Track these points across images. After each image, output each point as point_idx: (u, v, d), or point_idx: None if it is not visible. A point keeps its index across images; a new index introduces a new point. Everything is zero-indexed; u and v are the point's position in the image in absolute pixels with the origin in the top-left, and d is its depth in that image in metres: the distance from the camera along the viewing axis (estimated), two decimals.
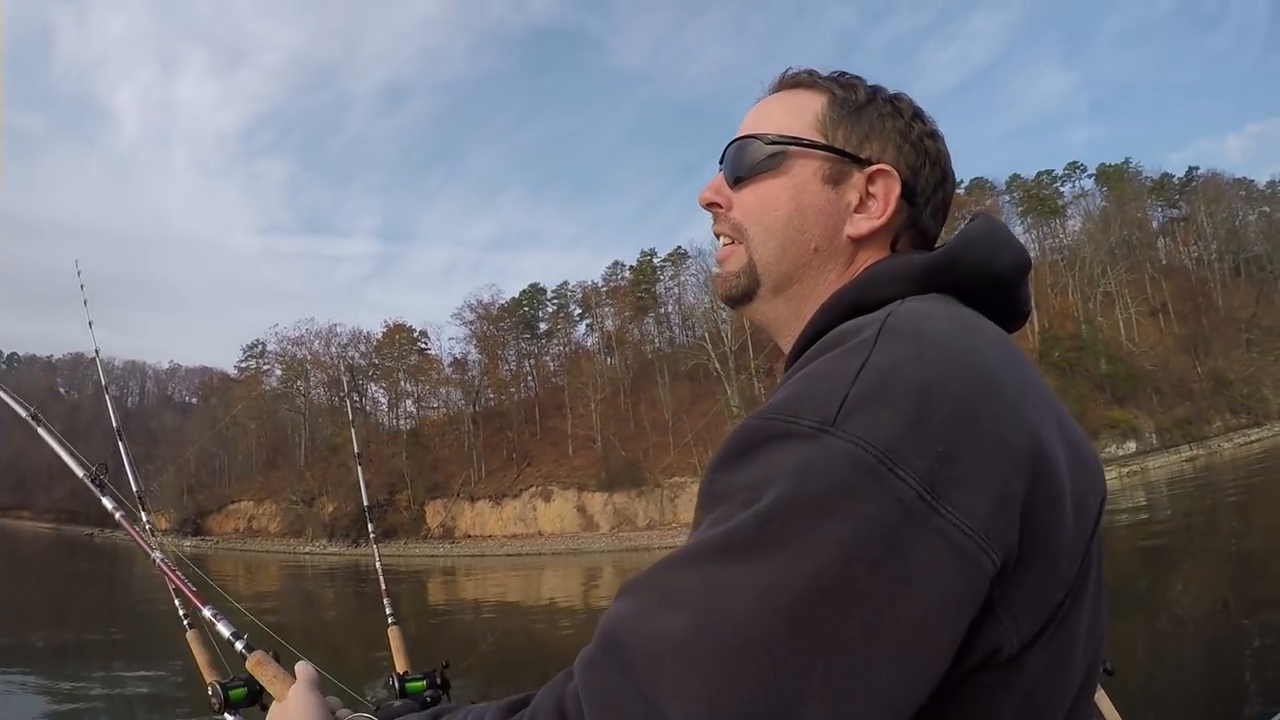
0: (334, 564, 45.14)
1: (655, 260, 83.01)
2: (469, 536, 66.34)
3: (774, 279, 0.81)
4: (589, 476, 67.11)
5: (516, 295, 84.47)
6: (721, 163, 0.85)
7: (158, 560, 1.85)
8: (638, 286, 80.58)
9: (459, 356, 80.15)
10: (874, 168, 0.80)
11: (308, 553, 62.38)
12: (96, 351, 2.89)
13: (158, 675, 8.83)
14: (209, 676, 1.79)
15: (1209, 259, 63.37)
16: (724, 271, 0.84)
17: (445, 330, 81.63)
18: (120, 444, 2.67)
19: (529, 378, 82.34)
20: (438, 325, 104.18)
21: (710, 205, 0.85)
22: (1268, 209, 65.05)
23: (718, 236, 0.85)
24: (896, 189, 0.80)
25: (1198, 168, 68.34)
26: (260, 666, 1.18)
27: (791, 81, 0.86)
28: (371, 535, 3.14)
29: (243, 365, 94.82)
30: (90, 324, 2.93)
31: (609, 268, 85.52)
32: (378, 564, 2.76)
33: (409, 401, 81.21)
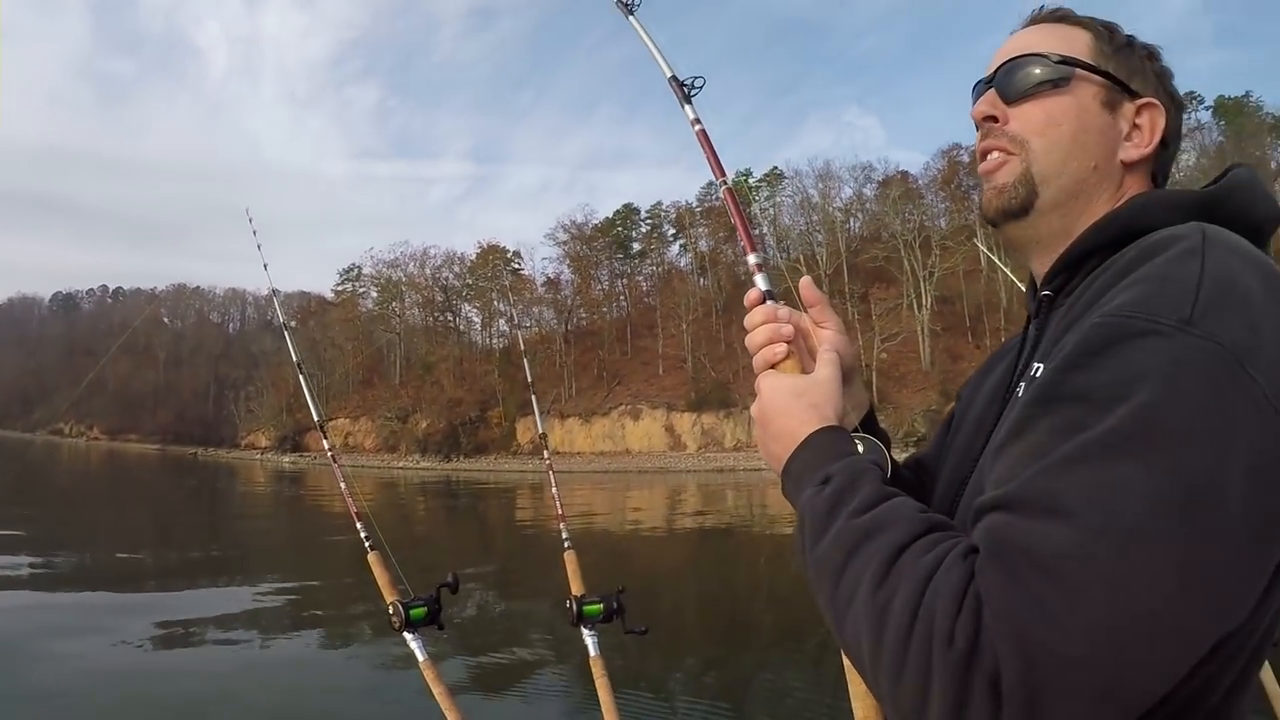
0: (425, 478, 47.32)
1: (750, 180, 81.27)
2: (558, 453, 66.31)
3: (1053, 192, 0.81)
4: (678, 396, 67.36)
5: (610, 215, 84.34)
6: (990, 83, 0.86)
7: (343, 490, 2.18)
8: None
9: (552, 276, 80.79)
10: (1144, 100, 0.82)
11: (401, 467, 65.12)
12: (274, 290, 2.85)
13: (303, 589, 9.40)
14: (389, 596, 1.84)
15: None
16: (996, 183, 0.84)
17: (539, 250, 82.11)
18: (301, 376, 2.75)
19: (621, 297, 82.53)
20: (531, 245, 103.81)
21: (986, 119, 0.85)
22: None
23: (984, 154, 0.86)
24: (1162, 122, 0.82)
25: None
26: None
27: (1054, 16, 0.88)
28: (547, 459, 2.86)
29: (339, 289, 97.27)
30: (265, 266, 2.87)
31: (703, 187, 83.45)
32: (554, 489, 2.50)
33: (502, 321, 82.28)
